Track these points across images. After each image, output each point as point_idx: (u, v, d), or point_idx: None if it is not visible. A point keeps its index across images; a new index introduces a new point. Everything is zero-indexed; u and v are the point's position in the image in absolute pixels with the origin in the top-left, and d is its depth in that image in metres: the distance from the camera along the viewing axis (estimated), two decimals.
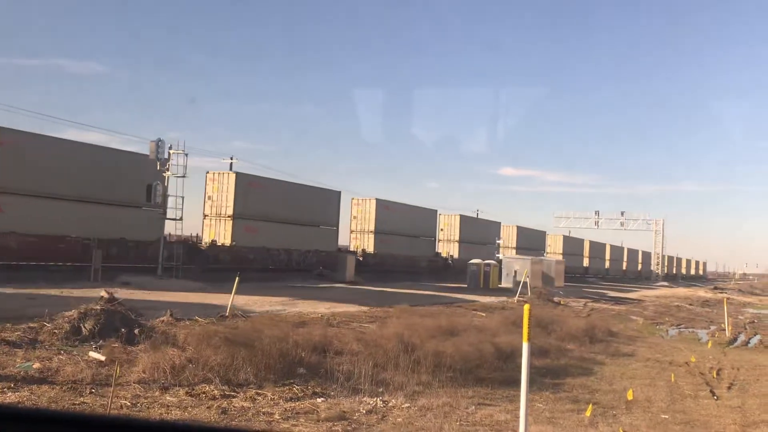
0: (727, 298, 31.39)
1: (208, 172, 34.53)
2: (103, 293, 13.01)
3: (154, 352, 9.88)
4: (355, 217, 44.60)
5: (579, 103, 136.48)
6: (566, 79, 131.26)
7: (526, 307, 6.93)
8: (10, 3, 74.93)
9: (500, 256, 50.01)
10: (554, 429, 8.51)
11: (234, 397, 8.72)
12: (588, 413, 9.22)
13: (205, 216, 34.27)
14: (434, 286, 36.51)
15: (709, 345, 19.64)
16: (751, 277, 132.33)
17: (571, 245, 76.06)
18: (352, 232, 44.74)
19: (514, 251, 60.85)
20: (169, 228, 30.64)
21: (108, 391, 8.09)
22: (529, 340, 6.75)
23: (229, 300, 16.59)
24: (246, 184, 34.27)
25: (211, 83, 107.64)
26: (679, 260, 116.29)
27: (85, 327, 11.45)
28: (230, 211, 33.61)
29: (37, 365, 9.35)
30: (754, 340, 22.23)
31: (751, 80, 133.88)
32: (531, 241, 65.38)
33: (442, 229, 54.61)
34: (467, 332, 14.92)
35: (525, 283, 31.09)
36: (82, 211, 26.53)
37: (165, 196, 29.29)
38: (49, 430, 2.25)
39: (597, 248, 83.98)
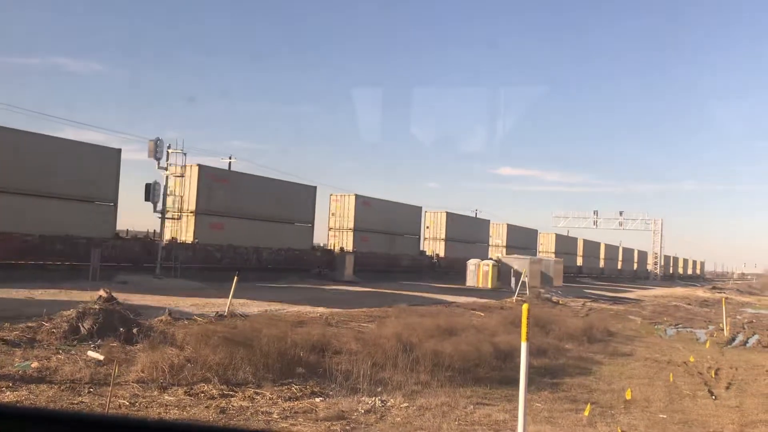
0: (726, 298, 31.42)
1: (169, 165, 31.97)
2: (101, 292, 13.00)
3: (153, 351, 9.87)
4: (333, 214, 43.11)
5: (578, 103, 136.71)
6: (565, 78, 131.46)
7: (525, 306, 6.93)
8: (9, 1, 74.88)
9: (498, 256, 49.83)
10: (552, 428, 8.51)
11: (232, 396, 8.72)
12: (586, 413, 9.23)
13: (165, 212, 31.85)
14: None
15: (708, 345, 19.66)
16: (749, 277, 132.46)
17: (564, 244, 74.90)
18: (330, 229, 43.31)
19: (503, 250, 59.84)
20: (126, 225, 30.85)
21: (106, 390, 8.09)
22: (527, 339, 6.76)
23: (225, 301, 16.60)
24: (211, 178, 32.78)
25: (210, 82, 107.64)
26: (676, 260, 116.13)
27: (83, 326, 11.44)
28: (193, 207, 31.90)
29: (35, 364, 9.34)
30: (753, 340, 22.25)
31: (750, 80, 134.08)
32: (522, 240, 64.27)
33: (428, 227, 53.12)
34: (466, 332, 14.92)
35: (523, 282, 31.09)
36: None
37: (164, 195, 29.28)
38: (48, 430, 2.25)
39: (591, 247, 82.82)
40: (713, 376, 13.67)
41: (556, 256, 61.53)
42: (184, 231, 31.99)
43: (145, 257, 29.18)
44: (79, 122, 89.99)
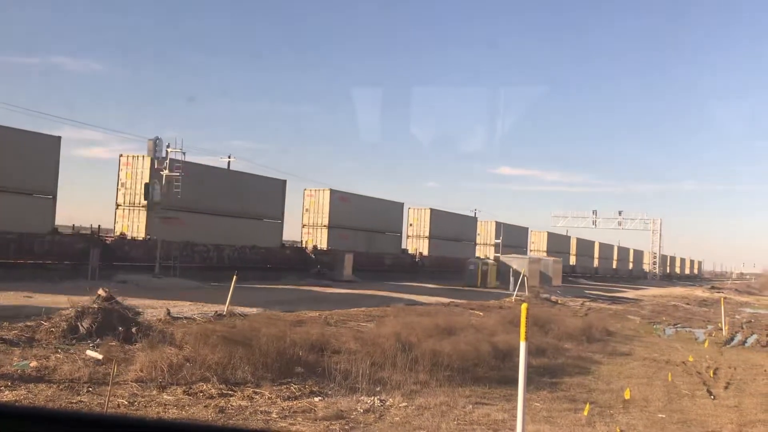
0: (724, 298, 31.46)
1: (121, 155, 30.80)
2: (100, 292, 12.98)
3: (152, 350, 9.87)
4: (307, 210, 40.98)
5: (578, 103, 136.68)
6: (565, 78, 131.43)
7: (524, 306, 6.94)
8: (8, 1, 74.81)
9: (496, 255, 49.77)
10: (551, 428, 8.52)
11: (231, 395, 8.72)
12: (585, 412, 9.24)
13: (117, 206, 30.47)
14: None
15: (706, 344, 19.67)
16: (748, 277, 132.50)
17: (557, 242, 73.09)
18: (304, 226, 41.15)
19: (492, 248, 58.30)
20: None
21: (105, 389, 8.08)
22: (526, 339, 6.76)
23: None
24: (165, 169, 30.32)
25: (210, 82, 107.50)
26: (673, 259, 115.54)
27: (82, 325, 11.43)
28: (145, 200, 29.69)
29: (34, 364, 9.34)
30: (751, 340, 22.26)
31: (750, 80, 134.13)
32: (512, 238, 61.74)
33: (411, 224, 51.10)
34: (465, 331, 14.92)
35: (522, 282, 31.11)
36: None
37: (162, 195, 29.26)
38: (46, 429, 2.25)
39: (585, 246, 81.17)
40: (712, 375, 13.67)
41: (548, 255, 60.25)
42: (136, 226, 29.98)
43: (89, 255, 26.53)
44: (79, 121, 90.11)
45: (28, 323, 11.94)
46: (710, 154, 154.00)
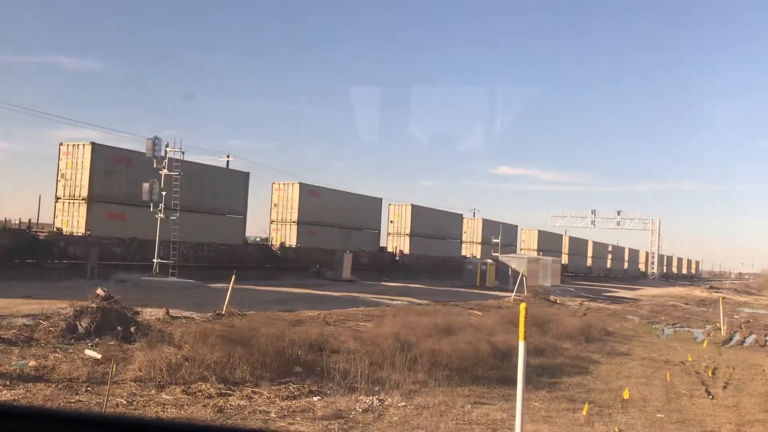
0: (723, 298, 31.50)
1: (61, 144, 28.20)
2: (99, 291, 12.98)
3: (150, 350, 9.87)
4: (276, 205, 38.62)
5: (578, 102, 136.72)
6: (565, 78, 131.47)
7: (522, 306, 6.93)
8: (7, 0, 74.70)
9: (498, 255, 49.69)
10: (550, 428, 8.52)
11: (230, 395, 8.71)
12: (584, 412, 9.24)
13: (57, 199, 27.89)
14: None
15: (705, 344, 19.69)
16: (747, 277, 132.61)
17: (548, 241, 70.23)
18: (272, 222, 38.91)
19: (479, 246, 56.96)
20: None
21: (104, 389, 8.08)
22: (525, 338, 6.76)
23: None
24: (109, 160, 28.10)
25: (208, 81, 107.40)
26: (669, 258, 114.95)
27: (81, 325, 11.43)
28: (86, 192, 27.31)
29: (32, 363, 9.33)
30: (750, 340, 22.29)
31: (750, 80, 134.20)
32: (501, 236, 58.48)
33: (391, 221, 48.65)
34: (464, 331, 14.93)
35: (521, 282, 31.13)
36: None
37: (161, 195, 29.16)
38: (45, 429, 2.24)
39: (577, 245, 78.47)
40: (710, 375, 13.69)
41: (538, 254, 58.49)
42: (76, 221, 27.49)
43: (18, 252, 24.84)
44: (77, 120, 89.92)
45: (27, 322, 11.93)
46: (710, 154, 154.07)
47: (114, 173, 28.19)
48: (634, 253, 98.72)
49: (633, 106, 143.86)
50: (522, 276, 31.82)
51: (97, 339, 11.05)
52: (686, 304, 40.05)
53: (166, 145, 28.68)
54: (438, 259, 49.93)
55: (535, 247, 66.73)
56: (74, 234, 27.13)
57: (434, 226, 51.31)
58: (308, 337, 12.25)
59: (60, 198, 27.82)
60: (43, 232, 27.06)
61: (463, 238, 57.89)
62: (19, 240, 25.62)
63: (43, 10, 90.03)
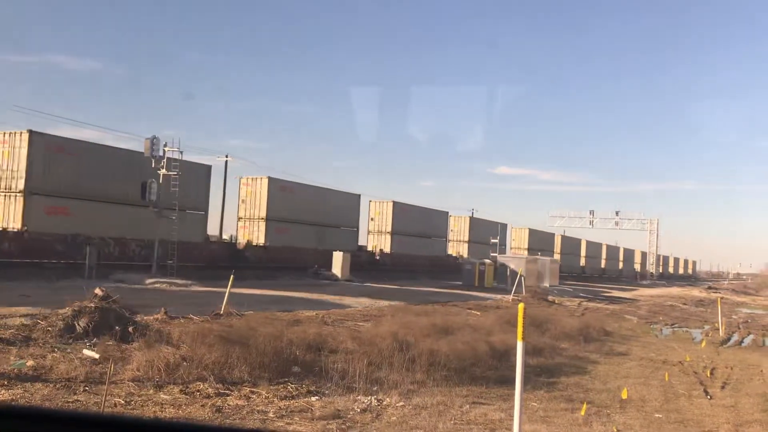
0: (721, 298, 31.52)
1: None
2: (97, 291, 12.96)
3: (149, 350, 9.86)
4: (243, 201, 36.80)
5: (577, 102, 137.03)
6: (563, 77, 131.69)
7: (521, 306, 6.94)
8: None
9: (496, 255, 49.60)
10: (548, 428, 8.52)
11: (228, 395, 8.71)
12: (582, 412, 9.24)
13: None
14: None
15: (703, 344, 19.71)
16: (744, 277, 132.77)
17: (539, 240, 68.30)
18: (240, 219, 37.01)
19: (465, 245, 55.54)
20: None
21: (102, 389, 8.06)
22: (523, 338, 6.76)
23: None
24: (49, 149, 26.29)
25: (208, 81, 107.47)
26: (666, 258, 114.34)
27: (79, 324, 11.41)
28: (22, 185, 25.42)
29: (30, 363, 9.31)
30: (748, 340, 22.32)
31: (750, 80, 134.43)
32: (489, 235, 56.56)
33: (372, 219, 46.77)
34: (462, 331, 14.93)
35: (519, 282, 31.15)
36: None
37: (159, 194, 29.17)
38: (43, 429, 2.24)
39: (570, 244, 76.65)
40: (709, 375, 13.70)
41: (528, 254, 57.00)
42: (12, 216, 25.63)
43: None
44: (77, 120, 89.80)
45: (25, 322, 11.91)
46: (710, 154, 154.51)
47: (54, 164, 26.28)
48: (629, 253, 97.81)
49: (633, 106, 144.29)
50: (520, 276, 31.84)
51: (95, 339, 11.03)
52: (684, 304, 40.09)
53: (165, 145, 28.69)
54: (422, 258, 48.41)
55: (526, 246, 64.81)
56: (7, 230, 25.48)
57: (418, 224, 49.59)
58: (306, 337, 12.24)
59: None
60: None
61: (450, 237, 56.17)
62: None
63: (43, 10, 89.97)
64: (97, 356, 9.87)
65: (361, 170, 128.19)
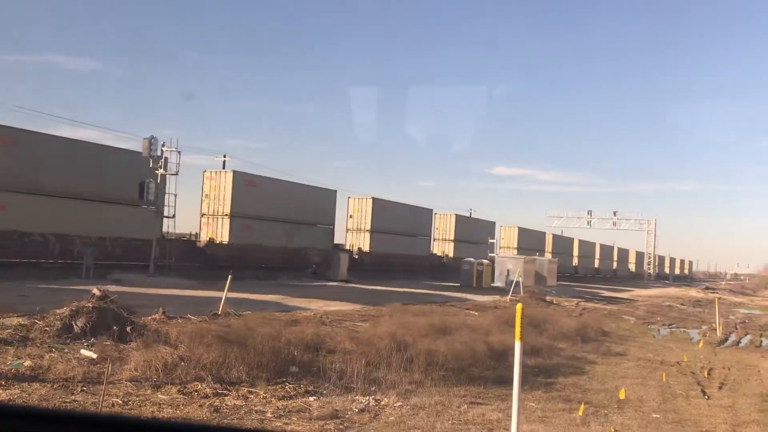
0: (719, 298, 31.55)
1: None
2: (95, 290, 12.95)
3: (146, 349, 9.85)
4: (207, 196, 34.29)
5: (577, 102, 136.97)
6: (563, 77, 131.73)
7: (519, 306, 6.94)
8: None
9: (495, 255, 49.58)
10: (546, 428, 8.53)
11: (226, 395, 8.70)
12: (580, 412, 9.25)
13: None
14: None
15: (701, 345, 19.73)
16: (742, 278, 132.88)
17: (529, 239, 65.56)
18: (203, 215, 34.49)
19: (451, 244, 54.21)
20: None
21: (99, 389, 8.06)
22: (521, 339, 6.76)
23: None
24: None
25: (208, 81, 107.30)
26: (662, 258, 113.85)
27: (76, 324, 11.39)
28: None
29: (27, 363, 9.30)
30: (745, 340, 22.35)
31: (749, 79, 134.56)
32: (477, 234, 55.70)
33: (351, 216, 44.88)
34: (460, 331, 14.93)
35: (517, 282, 31.16)
36: None
37: (157, 194, 29.13)
38: (41, 429, 2.24)
39: (562, 243, 74.70)
40: (706, 376, 13.72)
41: (518, 253, 55.56)
42: None
43: None
44: (76, 120, 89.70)
45: (22, 322, 11.89)
46: (710, 154, 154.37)
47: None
48: (624, 253, 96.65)
49: (633, 106, 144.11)
50: (518, 276, 31.85)
51: (93, 339, 11.02)
52: (682, 304, 40.12)
53: (163, 145, 28.67)
54: (404, 257, 46.78)
55: (515, 245, 62.86)
56: None
57: (400, 221, 47.33)
58: (304, 337, 12.23)
59: None
60: None
61: (435, 235, 54.40)
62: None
63: (43, 10, 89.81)
64: (94, 356, 9.85)
65: (361, 170, 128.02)
